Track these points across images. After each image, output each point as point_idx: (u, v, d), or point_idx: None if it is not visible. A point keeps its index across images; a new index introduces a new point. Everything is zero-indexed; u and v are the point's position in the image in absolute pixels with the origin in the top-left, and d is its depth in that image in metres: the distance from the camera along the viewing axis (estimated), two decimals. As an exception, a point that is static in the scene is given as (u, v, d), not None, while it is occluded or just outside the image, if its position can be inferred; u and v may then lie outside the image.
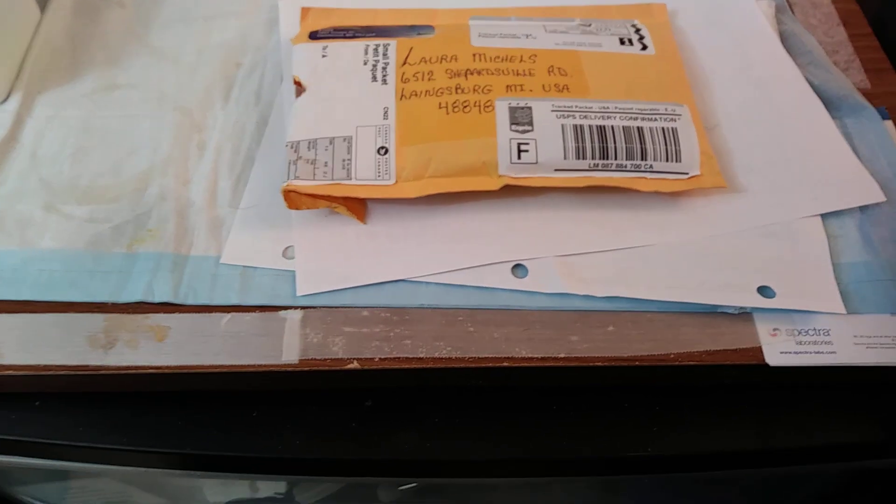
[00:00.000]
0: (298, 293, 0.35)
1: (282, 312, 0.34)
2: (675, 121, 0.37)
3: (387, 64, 0.39)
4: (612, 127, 0.36)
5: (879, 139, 0.40)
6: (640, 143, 0.36)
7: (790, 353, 0.33)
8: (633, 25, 0.43)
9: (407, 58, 0.40)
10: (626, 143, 0.36)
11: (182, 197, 0.38)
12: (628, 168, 0.36)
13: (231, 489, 0.49)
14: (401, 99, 0.38)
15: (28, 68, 0.44)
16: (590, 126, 0.36)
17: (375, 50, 0.40)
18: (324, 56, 0.40)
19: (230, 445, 0.35)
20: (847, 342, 0.33)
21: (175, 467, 0.37)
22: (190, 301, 0.35)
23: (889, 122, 0.41)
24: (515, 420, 0.35)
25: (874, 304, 0.34)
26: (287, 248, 0.36)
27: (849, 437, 0.34)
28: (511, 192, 0.37)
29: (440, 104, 0.37)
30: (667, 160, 0.36)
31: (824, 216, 0.37)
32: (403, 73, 0.39)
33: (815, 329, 0.34)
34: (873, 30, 0.48)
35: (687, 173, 0.37)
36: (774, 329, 0.34)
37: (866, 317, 0.34)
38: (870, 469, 0.37)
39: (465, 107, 0.37)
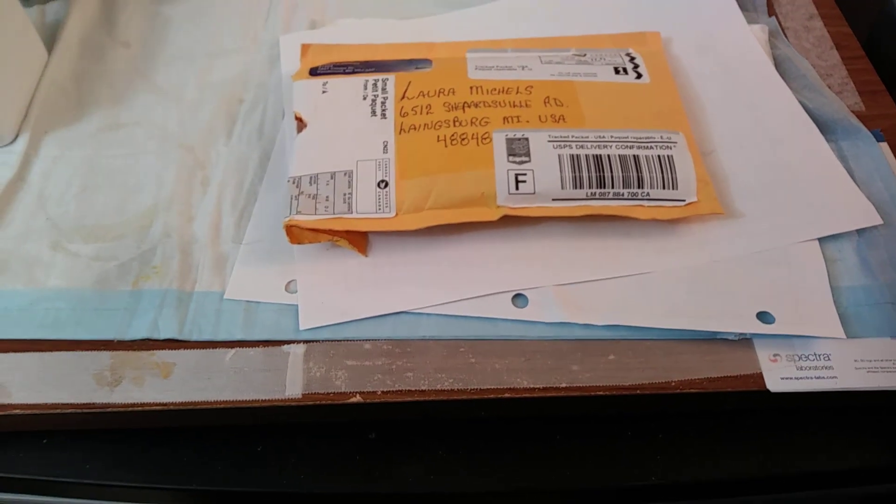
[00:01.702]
0: (301, 327, 0.35)
1: (285, 347, 0.35)
2: (670, 148, 0.38)
3: (385, 98, 0.40)
4: (609, 156, 0.37)
5: (875, 162, 0.40)
6: (637, 172, 0.37)
7: (791, 378, 0.33)
8: (628, 54, 0.43)
9: (405, 92, 0.40)
10: (622, 171, 0.36)
11: (186, 233, 0.39)
12: (625, 196, 0.37)
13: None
14: (400, 133, 0.38)
15: (35, 109, 0.45)
16: (586, 155, 0.37)
17: (374, 85, 0.41)
18: (324, 92, 0.41)
19: (235, 481, 0.35)
20: (848, 367, 0.33)
21: (181, 503, 0.37)
22: (195, 337, 0.35)
23: (884, 145, 0.42)
24: (518, 451, 0.35)
25: (874, 327, 0.34)
26: (290, 282, 0.37)
27: (853, 463, 0.34)
28: (510, 222, 0.37)
29: (438, 137, 0.38)
30: (663, 187, 0.37)
31: (822, 240, 0.37)
32: (402, 108, 0.40)
33: (815, 354, 0.34)
34: (866, 52, 0.48)
35: (684, 200, 0.37)
36: (775, 355, 0.34)
37: (866, 341, 0.34)
38: (874, 494, 0.37)
39: (463, 139, 0.38)
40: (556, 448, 0.35)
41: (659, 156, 0.37)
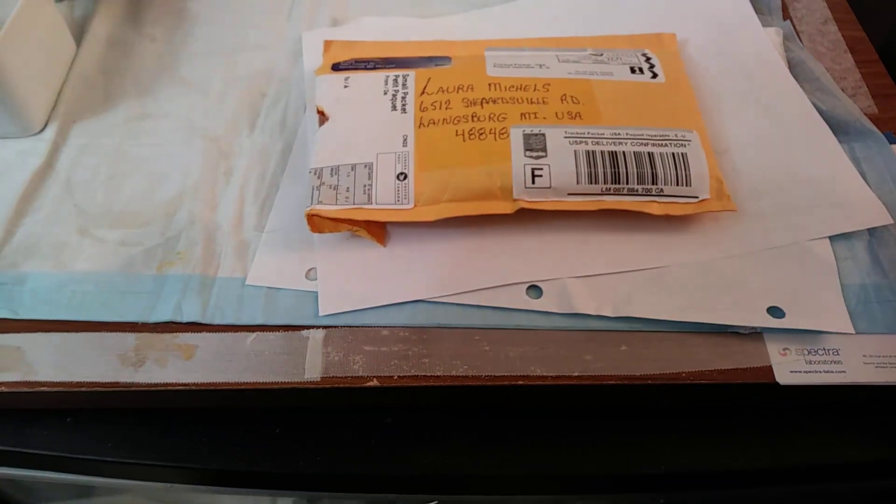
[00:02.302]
0: (321, 313, 0.36)
1: (304, 331, 0.36)
2: (684, 146, 0.38)
3: (406, 93, 0.41)
4: (624, 152, 0.38)
5: (887, 163, 0.41)
6: (651, 168, 0.37)
7: (800, 371, 0.34)
8: (644, 55, 0.44)
9: (425, 87, 0.41)
10: (637, 167, 0.37)
11: (210, 221, 0.40)
12: (639, 192, 0.37)
13: (252, 507, 0.50)
14: (419, 127, 0.39)
15: (64, 99, 0.46)
16: (601, 152, 0.38)
17: (395, 80, 0.42)
18: (346, 87, 0.42)
19: (253, 461, 0.36)
20: (857, 361, 0.34)
21: (199, 482, 0.38)
22: (217, 321, 0.36)
23: (896, 147, 0.42)
24: (531, 437, 0.36)
25: (883, 324, 0.35)
26: (310, 269, 0.38)
27: (860, 458, 0.34)
28: (526, 215, 0.38)
29: (457, 132, 0.39)
30: (677, 184, 0.37)
31: (833, 238, 0.38)
32: (422, 103, 0.40)
33: (824, 349, 0.34)
34: (881, 57, 0.49)
35: (697, 197, 0.37)
36: (785, 348, 0.34)
37: (875, 337, 0.35)
38: (883, 489, 0.37)
39: (481, 134, 0.39)
40: (568, 436, 0.36)
41: (673, 153, 0.38)
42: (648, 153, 0.38)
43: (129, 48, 0.50)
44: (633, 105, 0.41)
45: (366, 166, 0.38)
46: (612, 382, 0.34)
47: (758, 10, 0.50)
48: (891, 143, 0.42)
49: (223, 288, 0.37)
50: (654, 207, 0.37)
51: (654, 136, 0.39)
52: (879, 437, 0.35)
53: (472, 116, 0.39)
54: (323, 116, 0.41)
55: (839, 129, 0.43)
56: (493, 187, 0.37)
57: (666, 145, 0.38)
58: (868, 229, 0.38)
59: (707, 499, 0.39)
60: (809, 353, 0.34)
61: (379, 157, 0.38)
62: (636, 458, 0.35)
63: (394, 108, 0.41)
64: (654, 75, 0.43)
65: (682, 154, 0.38)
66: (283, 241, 0.39)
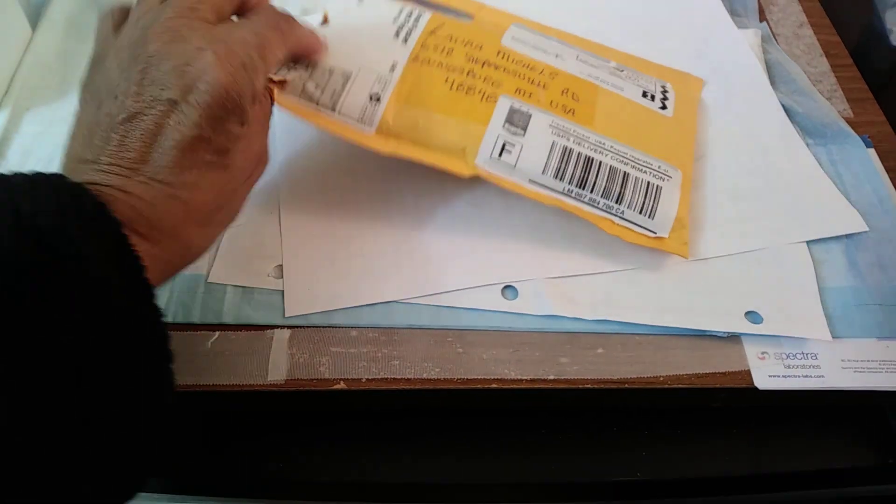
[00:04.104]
0: (287, 314, 0.34)
1: (269, 331, 0.34)
2: (663, 180, 0.37)
3: (413, 28, 0.39)
4: (600, 162, 0.36)
5: (864, 167, 0.41)
6: (621, 187, 0.36)
7: (778, 376, 0.33)
8: (663, 86, 0.42)
9: (435, 30, 0.40)
10: (606, 181, 0.36)
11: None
12: (599, 205, 0.36)
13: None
14: (413, 60, 0.38)
15: (17, 86, 0.44)
16: (579, 153, 0.36)
17: (409, 15, 0.40)
18: (360, 2, 0.41)
19: (213, 468, 0.34)
20: (835, 366, 0.33)
21: (155, 491, 0.36)
22: (179, 319, 0.34)
23: (872, 151, 0.42)
24: (503, 443, 0.35)
25: (861, 328, 0.34)
26: (275, 266, 0.36)
27: (837, 464, 0.34)
28: (506, 213, 0.37)
29: (447, 79, 0.37)
30: (640, 213, 0.36)
31: (810, 242, 0.38)
32: (426, 40, 0.39)
33: (802, 353, 0.34)
34: (854, 60, 0.49)
35: (655, 232, 0.36)
36: (763, 352, 0.34)
37: (853, 341, 0.34)
38: (858, 496, 0.37)
39: (470, 90, 0.37)
40: (541, 441, 0.35)
41: (649, 182, 0.36)
42: (624, 172, 0.36)
43: (88, 33, 0.48)
44: (630, 124, 0.39)
45: (343, 74, 0.36)
46: (588, 386, 0.33)
47: (734, 13, 0.50)
48: (867, 146, 0.42)
49: (183, 285, 0.35)
50: (607, 225, 0.36)
51: (638, 159, 0.37)
52: (857, 442, 0.34)
53: (469, 72, 0.38)
54: (326, 23, 0.39)
55: (816, 131, 0.42)
56: (457, 145, 0.36)
57: (645, 172, 0.37)
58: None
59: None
60: (788, 357, 0.34)
61: (360, 70, 0.36)
62: (611, 465, 0.34)
63: (396, 35, 0.39)
64: (664, 107, 0.41)
65: (656, 186, 0.36)
66: (247, 237, 0.37)
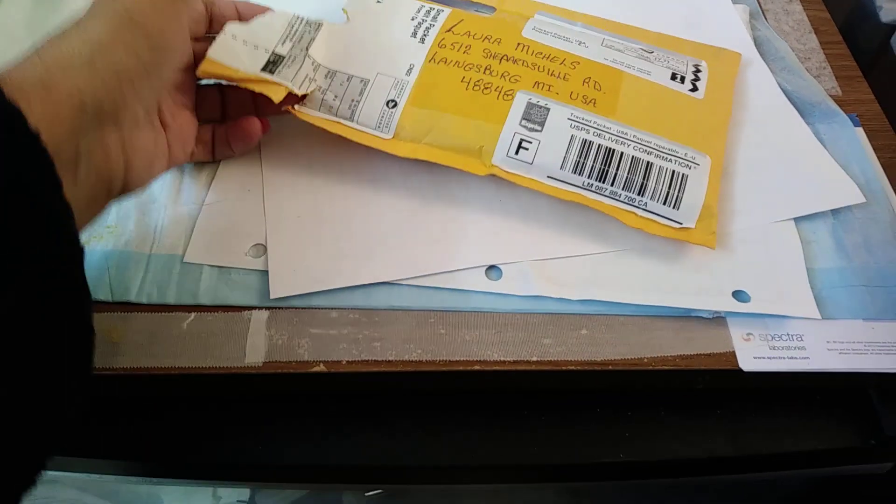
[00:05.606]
0: (272, 296, 0.33)
1: (246, 312, 0.33)
2: (689, 168, 0.36)
3: (431, 26, 0.39)
4: (622, 153, 0.35)
5: (851, 146, 0.40)
6: (644, 178, 0.35)
7: (764, 358, 0.33)
8: (696, 65, 0.41)
9: (453, 27, 0.39)
10: (628, 172, 0.35)
11: (144, 193, 0.37)
12: (621, 198, 0.35)
13: (193, 496, 0.47)
14: (429, 61, 0.38)
15: (-17, 57, 0.42)
16: (599, 145, 0.35)
17: (428, 12, 0.40)
18: (378, 2, 0.40)
19: (191, 452, 0.33)
20: (820, 348, 0.33)
21: (135, 474, 0.35)
22: (154, 300, 0.33)
23: (860, 129, 0.41)
24: (485, 425, 0.34)
25: (847, 309, 0.34)
26: (253, 245, 0.35)
27: (819, 445, 0.34)
28: (492, 194, 0.36)
29: (464, 78, 0.37)
30: (664, 203, 0.35)
31: (798, 221, 0.37)
32: (443, 39, 0.38)
33: (788, 334, 0.33)
34: (843, 37, 0.48)
35: (680, 223, 0.35)
36: (748, 334, 0.33)
37: (839, 322, 0.34)
38: (843, 475, 0.37)
39: (486, 88, 0.37)
40: (524, 423, 0.34)
41: (674, 171, 0.35)
42: (648, 162, 0.35)
43: (58, 4, 0.46)
44: (656, 111, 0.38)
45: (361, 81, 0.36)
46: (572, 368, 0.32)
47: (724, -14, 0.49)
48: (855, 125, 0.41)
49: (158, 265, 0.34)
50: (630, 218, 0.35)
51: (662, 147, 0.36)
52: (842, 423, 0.34)
53: (486, 69, 0.38)
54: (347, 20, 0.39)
55: (804, 109, 0.42)
56: (474, 145, 0.36)
57: (670, 160, 0.36)
58: (832, 213, 0.37)
59: (667, 486, 0.39)
60: (773, 338, 0.33)
61: (378, 76, 0.37)
62: (594, 446, 0.34)
63: (414, 35, 0.39)
64: (695, 88, 0.40)
65: (682, 175, 0.35)
66: (224, 215, 0.36)
